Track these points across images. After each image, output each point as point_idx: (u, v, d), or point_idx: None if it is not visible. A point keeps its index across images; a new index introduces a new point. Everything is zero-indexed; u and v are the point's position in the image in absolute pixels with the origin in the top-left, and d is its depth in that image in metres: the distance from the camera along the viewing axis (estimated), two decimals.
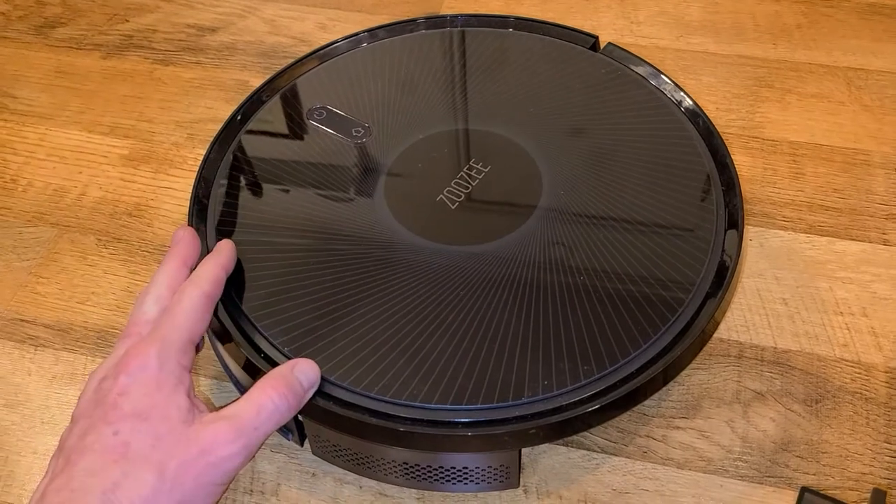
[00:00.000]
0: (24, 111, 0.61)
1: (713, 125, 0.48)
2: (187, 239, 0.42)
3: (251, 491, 0.42)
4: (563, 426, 0.37)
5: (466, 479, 0.39)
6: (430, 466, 0.38)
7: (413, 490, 0.41)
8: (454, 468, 0.39)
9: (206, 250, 0.43)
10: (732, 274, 0.41)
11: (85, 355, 0.47)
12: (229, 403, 0.36)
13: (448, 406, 0.37)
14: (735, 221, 0.43)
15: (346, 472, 0.42)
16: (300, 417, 0.39)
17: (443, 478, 0.39)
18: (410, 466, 0.39)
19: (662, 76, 0.51)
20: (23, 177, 0.57)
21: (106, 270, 0.51)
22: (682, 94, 0.50)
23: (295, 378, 0.37)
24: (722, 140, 0.47)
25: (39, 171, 0.57)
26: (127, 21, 0.67)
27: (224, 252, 0.41)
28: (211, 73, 0.62)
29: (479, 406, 0.37)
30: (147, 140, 0.58)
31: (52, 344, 0.48)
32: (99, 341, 0.48)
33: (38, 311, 0.49)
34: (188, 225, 0.44)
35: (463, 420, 0.37)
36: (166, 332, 0.36)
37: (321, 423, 0.38)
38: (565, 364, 0.38)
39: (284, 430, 0.40)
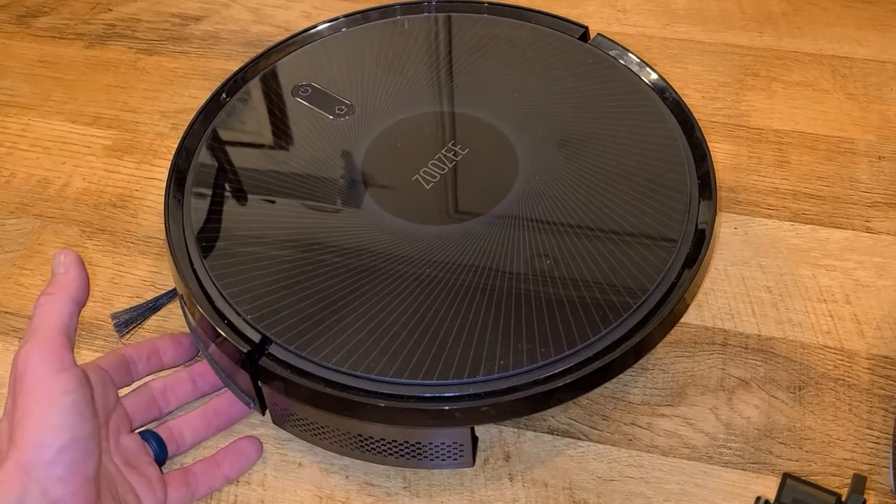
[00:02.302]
0: (6, 101, 0.60)
1: (691, 112, 0.48)
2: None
3: (237, 481, 0.42)
4: (516, 406, 0.37)
5: (420, 454, 0.40)
6: (384, 440, 0.39)
7: (399, 480, 0.42)
8: (407, 442, 0.39)
9: (184, 217, 0.44)
10: (699, 266, 0.41)
11: None
12: None
13: (403, 380, 0.37)
14: (709, 192, 0.44)
15: (332, 461, 0.42)
16: (259, 384, 0.39)
17: (396, 452, 0.39)
18: (365, 439, 0.39)
19: (649, 69, 0.51)
20: (5, 168, 0.56)
21: (90, 262, 0.51)
22: (664, 84, 0.50)
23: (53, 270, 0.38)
24: (699, 127, 0.47)
25: (22, 162, 0.56)
26: (110, 10, 0.66)
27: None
28: (195, 63, 0.62)
29: (433, 381, 0.37)
30: (131, 130, 0.58)
31: None
32: (83, 333, 0.48)
33: (22, 302, 0.49)
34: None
35: (416, 394, 0.37)
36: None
37: (277, 391, 0.38)
38: (523, 345, 0.38)
39: (246, 398, 0.41)
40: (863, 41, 0.61)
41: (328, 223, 0.44)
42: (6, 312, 0.49)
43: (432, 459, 0.40)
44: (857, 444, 0.42)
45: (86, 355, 0.47)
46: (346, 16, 0.55)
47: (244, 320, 0.40)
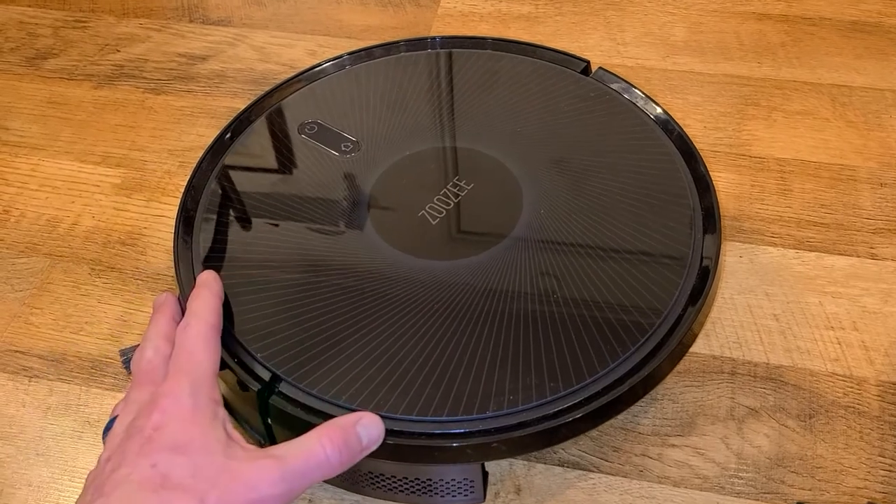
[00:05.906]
0: (16, 142, 0.61)
1: (694, 145, 0.48)
2: (170, 301, 0.41)
3: None
4: (526, 441, 0.37)
5: (431, 490, 0.40)
6: (395, 477, 0.39)
7: None
8: (419, 479, 0.39)
9: (192, 258, 0.44)
10: (706, 296, 0.41)
11: (79, 385, 0.47)
12: (281, 443, 0.35)
13: (413, 417, 0.38)
14: (714, 224, 0.44)
15: (343, 498, 0.42)
16: (269, 421, 0.39)
17: (407, 488, 0.39)
18: (375, 476, 0.39)
19: (651, 102, 0.51)
20: (15, 207, 0.57)
21: (100, 300, 0.51)
22: (667, 116, 0.50)
23: (355, 433, 0.35)
24: (702, 160, 0.47)
25: (32, 202, 0.57)
26: (118, 51, 0.67)
27: (211, 283, 0.41)
28: (202, 101, 0.63)
29: (443, 418, 0.37)
30: (139, 169, 0.59)
31: (46, 374, 0.48)
32: (93, 371, 0.48)
33: (32, 341, 0.49)
34: (173, 258, 0.44)
35: (427, 431, 0.37)
36: (190, 368, 0.36)
37: (288, 429, 0.38)
38: (532, 380, 0.38)
39: (257, 435, 0.41)
40: (861, 70, 0.62)
41: (337, 261, 0.44)
42: (16, 351, 0.49)
43: (443, 496, 0.40)
44: (869, 471, 0.42)
45: (95, 393, 0.47)
46: (350, 53, 0.56)
47: (254, 358, 0.40)
